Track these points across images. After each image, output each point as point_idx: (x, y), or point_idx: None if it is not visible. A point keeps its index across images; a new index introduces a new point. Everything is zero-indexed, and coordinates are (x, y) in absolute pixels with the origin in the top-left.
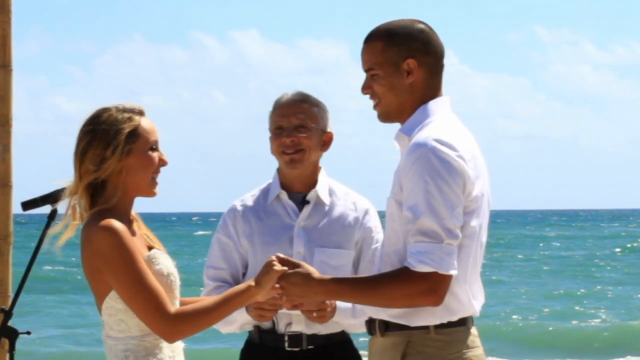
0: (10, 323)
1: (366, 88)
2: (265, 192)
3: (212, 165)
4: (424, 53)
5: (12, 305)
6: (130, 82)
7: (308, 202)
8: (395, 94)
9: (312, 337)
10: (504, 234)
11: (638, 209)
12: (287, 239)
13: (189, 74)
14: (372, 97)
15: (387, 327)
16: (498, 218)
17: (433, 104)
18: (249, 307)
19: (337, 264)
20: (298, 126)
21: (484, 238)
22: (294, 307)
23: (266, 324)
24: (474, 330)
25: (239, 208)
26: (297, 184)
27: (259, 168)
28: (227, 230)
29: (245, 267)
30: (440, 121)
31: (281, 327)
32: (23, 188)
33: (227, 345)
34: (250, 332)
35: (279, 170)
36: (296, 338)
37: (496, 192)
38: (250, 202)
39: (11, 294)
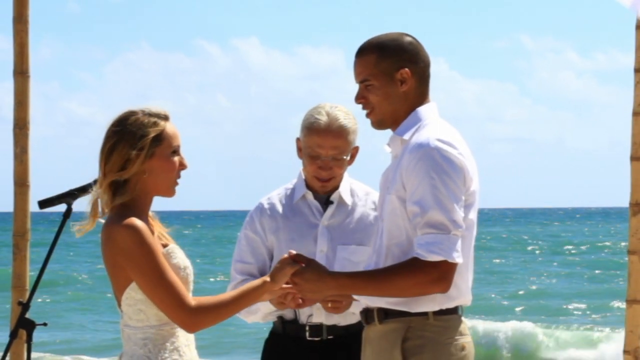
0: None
1: (360, 98)
2: (291, 192)
3: (215, 165)
4: (414, 63)
5: (29, 299)
6: (138, 87)
7: (332, 203)
8: (390, 102)
9: (332, 328)
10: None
11: (618, 207)
12: (311, 237)
13: (194, 79)
14: (365, 107)
15: (386, 315)
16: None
17: (423, 109)
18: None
19: (358, 260)
20: (334, 157)
21: (475, 231)
22: (298, 305)
23: (289, 315)
24: (464, 319)
25: (266, 206)
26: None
27: (260, 168)
28: (254, 226)
29: (272, 260)
30: (437, 123)
31: (303, 318)
32: (39, 188)
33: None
34: (274, 322)
35: (304, 171)
36: (317, 328)
37: (485, 191)
38: (276, 200)
39: (28, 288)
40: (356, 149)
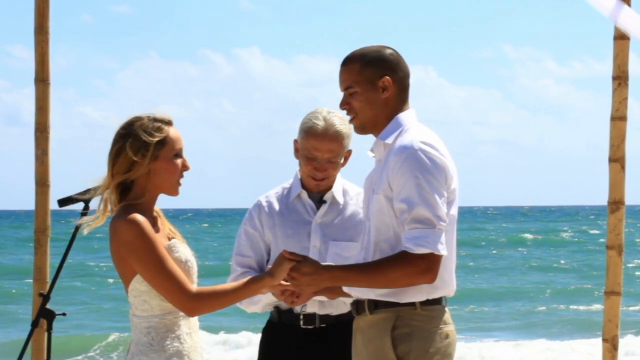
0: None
1: (344, 104)
2: (287, 191)
3: (221, 166)
4: (395, 72)
5: (49, 290)
6: (148, 93)
7: (325, 202)
8: (372, 108)
9: (324, 317)
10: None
11: (596, 205)
12: (305, 233)
13: (200, 86)
14: (349, 112)
15: (375, 305)
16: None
17: (403, 115)
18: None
19: (349, 255)
20: (329, 160)
21: (455, 225)
22: (292, 303)
23: (284, 305)
24: (447, 309)
25: (264, 203)
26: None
27: (263, 169)
28: (253, 222)
29: (269, 254)
30: (417, 128)
31: (297, 308)
32: (59, 187)
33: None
34: (271, 312)
35: (300, 171)
36: (310, 317)
37: (472, 190)
38: (273, 199)
39: (49, 280)
40: (349, 152)
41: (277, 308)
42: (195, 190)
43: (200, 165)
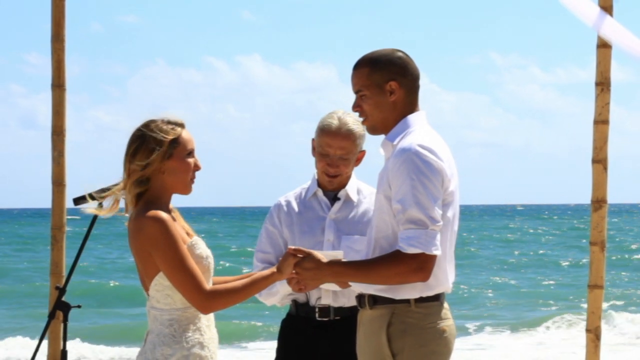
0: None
1: (356, 107)
2: (305, 191)
3: (225, 167)
4: (403, 76)
5: (65, 284)
6: (156, 98)
7: (339, 199)
8: (381, 111)
9: (339, 310)
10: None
11: (579, 204)
12: (319, 229)
13: (205, 92)
14: (361, 115)
15: (375, 301)
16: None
17: (412, 117)
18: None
19: (360, 248)
20: (341, 156)
21: (456, 226)
22: (300, 290)
23: (301, 299)
24: (446, 305)
25: (283, 203)
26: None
27: (265, 169)
28: (273, 220)
29: None
30: (421, 130)
31: (312, 301)
32: (74, 186)
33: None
34: (289, 305)
35: (316, 172)
36: (325, 310)
37: (462, 190)
38: (292, 198)
39: (65, 275)
40: (363, 152)
41: (294, 301)
42: (199, 191)
43: (205, 166)
